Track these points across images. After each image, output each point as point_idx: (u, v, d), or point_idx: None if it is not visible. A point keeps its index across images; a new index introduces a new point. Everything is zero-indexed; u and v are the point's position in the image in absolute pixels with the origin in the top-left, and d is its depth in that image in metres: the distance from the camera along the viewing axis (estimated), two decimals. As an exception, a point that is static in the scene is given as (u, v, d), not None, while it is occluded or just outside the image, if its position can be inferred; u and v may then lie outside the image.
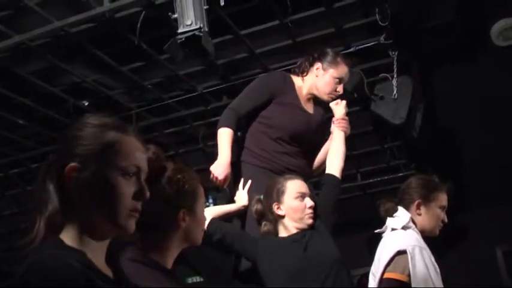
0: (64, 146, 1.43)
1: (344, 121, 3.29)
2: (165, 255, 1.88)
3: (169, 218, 1.89)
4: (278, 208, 2.85)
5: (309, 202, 2.84)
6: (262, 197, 2.96)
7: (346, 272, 2.78)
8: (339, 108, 3.35)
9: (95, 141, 1.41)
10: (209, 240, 2.88)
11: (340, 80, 3.40)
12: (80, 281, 1.21)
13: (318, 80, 3.40)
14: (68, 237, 1.36)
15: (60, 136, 1.46)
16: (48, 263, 1.22)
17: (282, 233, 2.88)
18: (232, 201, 3.29)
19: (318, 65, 3.41)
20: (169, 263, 1.90)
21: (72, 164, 1.38)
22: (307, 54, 3.54)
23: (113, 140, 1.43)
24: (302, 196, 2.85)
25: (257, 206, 2.96)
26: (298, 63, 3.55)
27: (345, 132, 3.26)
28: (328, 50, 3.49)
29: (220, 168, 3.13)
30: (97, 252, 1.39)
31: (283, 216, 2.85)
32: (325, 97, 3.41)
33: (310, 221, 2.84)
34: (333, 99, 3.42)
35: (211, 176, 3.12)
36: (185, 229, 1.91)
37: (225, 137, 3.22)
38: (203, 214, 2.01)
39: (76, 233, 1.37)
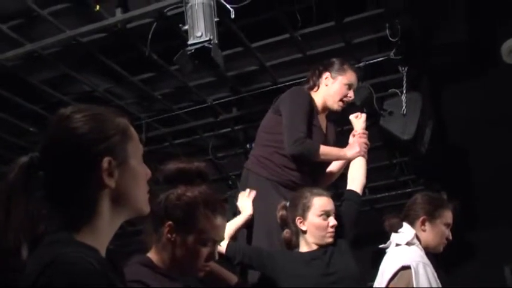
0: (84, 140, 1.31)
1: (364, 135, 3.30)
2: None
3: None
4: (301, 223, 2.86)
5: (332, 221, 2.84)
6: (288, 204, 2.96)
7: None
8: (358, 122, 3.37)
9: (116, 130, 1.36)
10: (230, 264, 2.89)
11: (349, 86, 3.41)
12: (103, 284, 1.18)
13: (329, 88, 3.40)
14: (80, 233, 1.28)
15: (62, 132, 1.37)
16: (74, 264, 1.16)
17: (303, 247, 2.89)
18: (238, 212, 3.27)
19: (327, 74, 3.42)
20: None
21: (107, 157, 1.31)
22: (312, 68, 3.54)
23: (125, 126, 1.39)
24: (326, 214, 2.84)
25: (282, 213, 2.96)
26: (306, 79, 3.55)
27: (363, 157, 3.24)
28: (334, 59, 3.50)
29: (357, 143, 3.25)
30: (103, 247, 1.33)
31: (305, 232, 2.87)
32: (336, 105, 3.40)
33: (330, 240, 2.84)
34: (344, 106, 3.42)
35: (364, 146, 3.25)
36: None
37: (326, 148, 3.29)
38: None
39: (89, 229, 1.29)
